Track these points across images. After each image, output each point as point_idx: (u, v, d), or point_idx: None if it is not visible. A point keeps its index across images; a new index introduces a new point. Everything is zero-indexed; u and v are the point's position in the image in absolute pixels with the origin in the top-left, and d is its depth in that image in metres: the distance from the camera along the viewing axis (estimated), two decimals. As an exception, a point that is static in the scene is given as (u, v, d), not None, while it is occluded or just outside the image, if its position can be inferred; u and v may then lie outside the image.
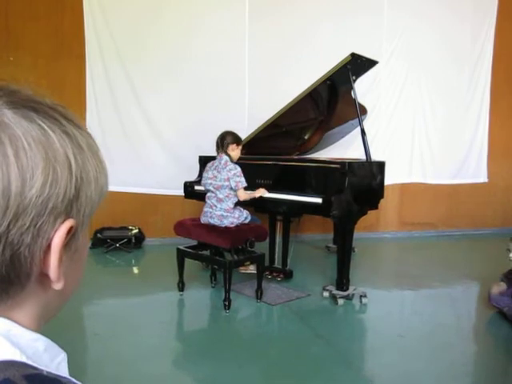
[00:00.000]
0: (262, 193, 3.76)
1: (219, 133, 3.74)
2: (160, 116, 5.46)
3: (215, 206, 3.62)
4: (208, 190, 3.69)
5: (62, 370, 0.50)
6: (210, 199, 3.66)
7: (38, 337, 0.49)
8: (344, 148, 5.19)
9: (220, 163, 3.61)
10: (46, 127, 0.46)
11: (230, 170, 3.53)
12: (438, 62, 6.21)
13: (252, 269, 4.12)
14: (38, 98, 0.48)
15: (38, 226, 0.45)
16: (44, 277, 0.48)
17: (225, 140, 3.65)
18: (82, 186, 0.48)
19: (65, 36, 5.15)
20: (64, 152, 0.47)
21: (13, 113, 0.45)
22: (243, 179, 3.54)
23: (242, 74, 5.59)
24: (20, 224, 0.44)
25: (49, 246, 0.46)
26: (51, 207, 0.45)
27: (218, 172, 3.58)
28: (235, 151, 3.69)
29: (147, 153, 5.49)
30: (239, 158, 3.77)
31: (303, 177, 3.77)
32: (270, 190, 3.80)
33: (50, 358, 0.49)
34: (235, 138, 3.69)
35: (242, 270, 4.30)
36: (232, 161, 3.64)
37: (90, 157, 0.49)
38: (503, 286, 3.44)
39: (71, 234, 0.48)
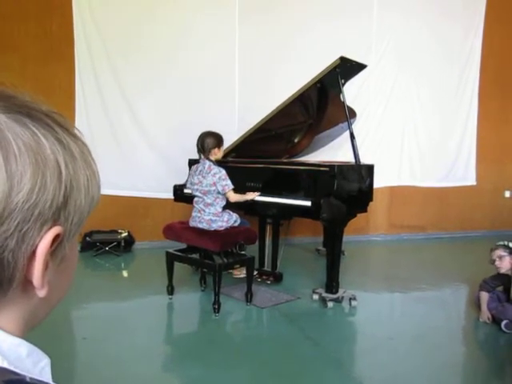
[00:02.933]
0: (254, 195, 3.76)
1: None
2: (150, 118, 5.45)
3: (203, 211, 3.61)
4: (195, 195, 3.68)
5: (46, 376, 0.50)
6: (198, 204, 3.65)
7: (21, 342, 0.48)
8: (334, 151, 5.21)
9: (204, 168, 3.58)
10: (38, 133, 0.46)
11: (215, 174, 3.51)
12: (428, 62, 6.24)
13: (243, 273, 4.12)
14: (34, 105, 0.48)
15: (23, 231, 0.45)
16: (28, 283, 0.47)
17: (205, 144, 3.57)
18: (71, 194, 0.48)
19: (54, 38, 5.13)
20: (55, 159, 0.46)
21: (6, 117, 0.45)
22: (229, 182, 3.52)
23: (232, 77, 5.60)
24: (5, 228, 0.44)
25: (34, 253, 0.46)
26: (38, 213, 0.45)
27: (203, 177, 3.56)
28: (218, 154, 3.64)
29: (137, 156, 5.48)
30: (228, 161, 3.77)
31: (293, 180, 3.79)
32: (260, 193, 3.80)
33: (33, 363, 0.49)
34: (216, 141, 3.61)
35: (236, 274, 4.30)
36: (215, 163, 3.61)
37: (83, 166, 0.49)
38: (485, 294, 3.48)
39: (58, 241, 0.48)
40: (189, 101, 5.47)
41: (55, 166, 0.46)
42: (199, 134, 3.67)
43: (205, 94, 5.50)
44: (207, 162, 3.58)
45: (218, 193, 3.55)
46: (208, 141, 3.59)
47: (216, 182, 3.51)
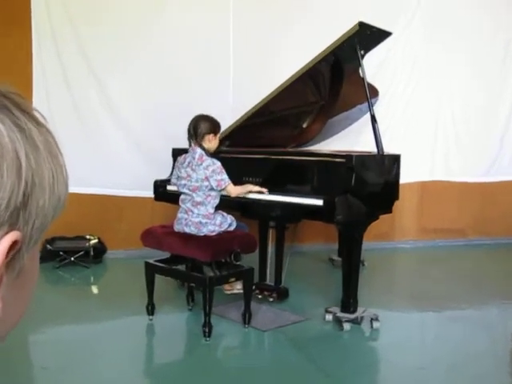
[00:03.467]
0: (261, 190, 3.75)
1: (197, 120, 3.74)
2: (124, 99, 5.46)
3: (191, 212, 3.61)
4: (182, 192, 3.69)
5: None
6: (185, 203, 3.66)
7: None
8: (350, 139, 5.21)
9: (194, 158, 3.58)
10: None
11: (208, 166, 3.52)
12: (468, 30, 6.19)
13: (239, 288, 4.13)
14: None
15: None
16: None
17: (198, 128, 3.61)
18: (32, 193, 0.47)
19: (7, 2, 5.12)
20: (13, 149, 0.46)
21: None
22: (226, 176, 3.54)
23: (225, 50, 5.59)
24: None
25: None
26: None
27: (193, 170, 3.57)
28: (212, 142, 3.67)
29: (108, 144, 5.49)
30: (221, 151, 3.77)
31: (301, 173, 3.80)
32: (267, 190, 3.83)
33: None
34: (212, 126, 3.66)
35: (227, 290, 4.30)
36: (208, 154, 3.62)
37: (47, 158, 0.49)
38: None
39: (15, 250, 0.47)
40: (173, 79, 5.46)
41: (14, 157, 0.46)
42: (192, 118, 3.70)
43: (191, 69, 5.50)
44: (198, 151, 3.59)
45: (211, 189, 3.56)
46: (202, 124, 3.62)
47: (209, 176, 3.52)
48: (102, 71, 5.39)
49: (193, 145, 3.65)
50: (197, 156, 3.58)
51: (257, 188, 3.75)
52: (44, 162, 0.49)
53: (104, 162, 5.47)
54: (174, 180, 3.81)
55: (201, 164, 3.54)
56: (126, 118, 5.49)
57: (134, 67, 5.43)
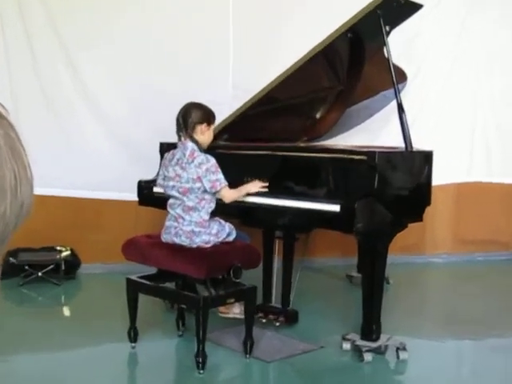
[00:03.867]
0: (261, 188, 3.75)
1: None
2: (103, 84, 5.46)
3: (182, 219, 3.60)
4: (170, 196, 3.68)
5: None
6: (174, 208, 3.65)
7: None
8: (373, 132, 5.20)
9: (184, 155, 3.57)
10: None
11: (201, 164, 3.51)
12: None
13: (237, 312, 4.12)
14: None
15: None
16: None
17: (189, 117, 3.61)
18: None
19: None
20: None
21: None
22: (221, 176, 3.53)
23: (224, 26, 5.58)
24: None
25: None
26: None
27: (183, 168, 3.55)
28: (206, 134, 3.66)
29: (83, 137, 5.49)
30: (218, 146, 3.76)
31: (313, 173, 3.79)
32: (264, 193, 3.80)
33: None
34: (205, 115, 3.65)
35: (223, 313, 4.28)
36: (201, 149, 3.62)
37: (8, 156, 0.49)
38: None
39: None
40: (160, 59, 5.46)
41: None
42: (182, 107, 3.69)
43: (184, 50, 5.50)
44: (189, 146, 3.58)
45: (205, 191, 3.55)
46: (193, 113, 3.62)
47: (202, 175, 3.50)
48: (77, 51, 5.38)
49: (182, 138, 3.64)
50: (187, 152, 3.56)
51: (255, 187, 3.74)
52: (5, 161, 0.48)
53: (78, 158, 5.46)
54: (160, 181, 3.80)
55: (192, 161, 3.53)
56: (105, 107, 5.49)
57: (115, 46, 5.43)
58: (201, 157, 3.54)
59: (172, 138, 4.03)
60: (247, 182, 3.89)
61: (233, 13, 5.59)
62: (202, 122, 3.63)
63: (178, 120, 3.66)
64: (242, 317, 3.80)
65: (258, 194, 3.77)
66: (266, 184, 3.75)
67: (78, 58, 5.39)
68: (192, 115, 3.62)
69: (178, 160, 3.61)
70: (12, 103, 5.09)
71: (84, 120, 5.48)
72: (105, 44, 5.41)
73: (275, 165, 3.99)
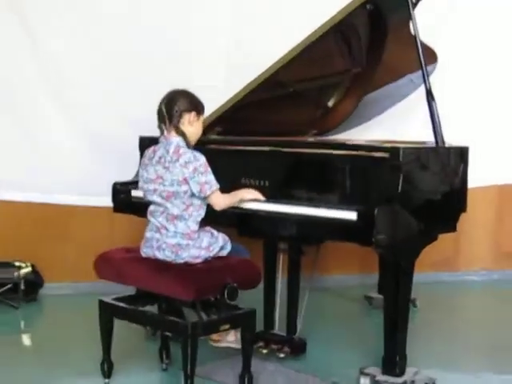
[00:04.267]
0: (256, 197, 3.75)
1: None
2: (70, 70, 5.48)
3: (166, 229, 3.59)
4: (151, 201, 3.67)
5: None
6: (156, 217, 3.63)
7: None
8: (396, 124, 5.21)
9: (167, 151, 3.54)
10: None
11: (187, 162, 3.48)
12: None
13: (231, 340, 4.13)
14: None
15: None
16: None
17: (174, 105, 3.59)
18: None
19: None
20: None
21: None
22: (212, 177, 3.51)
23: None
24: None
25: None
26: None
27: (166, 168, 3.52)
28: (194, 125, 3.66)
29: (46, 132, 5.52)
30: (209, 141, 3.74)
31: (325, 174, 3.77)
32: (266, 197, 3.80)
33: None
34: (193, 102, 3.65)
35: (214, 341, 4.28)
36: (189, 145, 3.60)
37: None
38: None
39: None
40: (137, 39, 5.47)
41: None
42: (164, 95, 3.67)
43: (166, 26, 5.51)
44: (174, 141, 3.56)
45: (193, 196, 3.54)
46: (179, 101, 3.61)
47: (189, 177, 3.48)
48: (40, 30, 5.40)
49: (165, 132, 3.63)
50: (171, 148, 3.54)
51: (251, 195, 3.74)
52: None
53: (41, 157, 5.49)
54: (141, 183, 3.77)
55: (177, 160, 3.50)
56: (72, 97, 5.51)
57: (83, 26, 5.46)
58: (187, 154, 3.51)
59: (151, 131, 4.02)
60: (245, 185, 3.88)
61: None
62: (190, 111, 3.61)
63: (160, 110, 3.64)
64: (238, 346, 3.80)
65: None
66: (263, 198, 3.76)
67: (41, 39, 5.42)
68: (178, 103, 3.60)
69: (159, 158, 3.58)
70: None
71: (47, 113, 5.51)
72: (73, 25, 5.45)
73: (278, 164, 3.96)
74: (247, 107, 4.34)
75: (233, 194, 3.69)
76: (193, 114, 3.62)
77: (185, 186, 3.49)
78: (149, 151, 3.71)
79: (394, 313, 3.71)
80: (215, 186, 3.51)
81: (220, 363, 4.06)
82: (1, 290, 5.25)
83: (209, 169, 3.52)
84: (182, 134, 3.58)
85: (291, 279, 4.36)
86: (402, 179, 3.43)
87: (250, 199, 3.74)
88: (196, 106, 3.66)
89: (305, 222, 3.66)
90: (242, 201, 3.72)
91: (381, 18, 4.15)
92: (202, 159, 3.51)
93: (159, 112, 3.64)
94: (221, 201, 3.59)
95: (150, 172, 3.62)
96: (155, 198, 3.60)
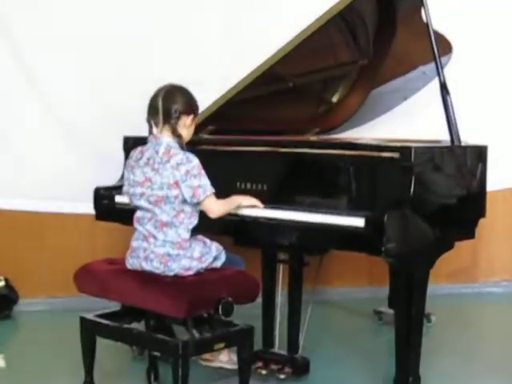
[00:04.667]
0: (254, 204, 3.77)
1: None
2: (47, 61, 5.48)
3: (154, 238, 3.59)
4: (138, 207, 3.68)
5: None
6: (144, 224, 3.63)
7: None
8: (406, 121, 5.22)
9: (157, 152, 3.54)
10: None
11: (179, 164, 3.46)
12: None
13: (224, 360, 4.13)
14: None
15: None
16: None
17: (173, 104, 3.57)
18: None
19: None
20: None
21: None
22: (207, 181, 3.51)
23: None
24: None
25: None
26: None
27: (155, 170, 3.52)
28: (190, 129, 3.67)
29: (21, 130, 5.52)
30: (200, 141, 3.74)
31: (328, 177, 3.79)
32: (263, 202, 3.80)
33: None
34: (192, 104, 3.66)
35: (206, 360, 4.27)
36: (182, 146, 3.59)
37: None
38: None
39: None
40: (122, 29, 5.51)
41: None
42: (159, 88, 3.66)
43: (152, 18, 5.55)
44: (164, 141, 3.56)
45: (184, 202, 3.54)
46: (178, 99, 3.60)
47: (180, 180, 3.47)
48: (16, 21, 5.43)
49: (155, 130, 3.63)
50: (161, 148, 3.53)
51: (248, 201, 3.75)
52: None
53: (13, 157, 5.51)
54: (126, 188, 3.77)
55: (168, 161, 3.49)
56: (50, 92, 5.53)
57: (69, 23, 5.49)
58: (179, 155, 3.50)
59: (137, 131, 4.03)
60: (242, 189, 3.90)
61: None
62: (188, 113, 3.62)
63: (155, 104, 3.60)
64: (232, 366, 3.80)
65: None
66: (261, 206, 3.78)
67: (15, 28, 5.45)
68: (177, 101, 3.58)
69: (148, 159, 3.58)
70: None
71: (21, 108, 5.51)
72: (52, 13, 5.47)
73: (277, 165, 3.98)
74: (243, 104, 4.35)
75: (229, 199, 3.69)
76: (191, 117, 3.62)
77: (175, 190, 3.48)
78: (136, 152, 3.69)
79: (407, 329, 3.71)
80: (210, 190, 3.50)
81: (213, 384, 4.09)
82: (-29, 307, 5.27)
83: (203, 172, 3.50)
84: (178, 136, 3.57)
85: (292, 292, 4.35)
86: (414, 181, 3.44)
87: (248, 206, 3.75)
88: (195, 108, 3.67)
89: (307, 230, 3.67)
90: (238, 207, 3.74)
91: (389, 4, 4.17)
92: (196, 161, 3.50)
93: (153, 106, 3.60)
94: (215, 207, 3.56)
95: (136, 174, 3.61)
96: (142, 202, 3.59)
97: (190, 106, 3.63)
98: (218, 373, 4.20)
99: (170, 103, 3.57)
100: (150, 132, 3.65)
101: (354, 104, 4.67)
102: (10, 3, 5.39)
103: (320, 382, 4.22)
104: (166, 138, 3.56)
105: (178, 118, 3.58)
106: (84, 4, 5.48)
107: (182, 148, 3.56)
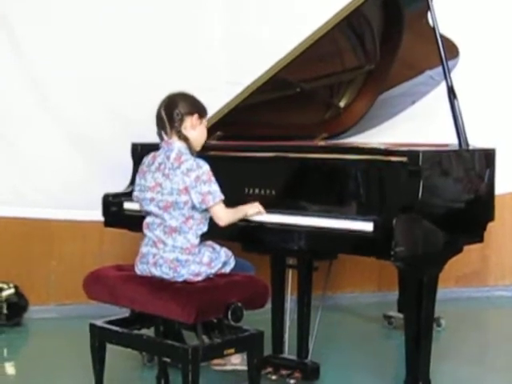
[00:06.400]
0: (258, 210, 3.77)
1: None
2: (50, 64, 5.49)
3: (163, 244, 3.59)
4: (148, 212, 3.68)
5: None
6: (153, 230, 3.64)
7: None
8: (414, 125, 5.21)
9: (168, 158, 3.55)
10: None
11: (189, 170, 3.47)
12: None
13: (237, 362, 4.13)
14: None
15: None
16: None
17: (175, 109, 3.58)
18: None
19: None
20: None
21: None
22: (216, 187, 3.50)
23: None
24: None
25: None
26: None
27: (166, 176, 3.53)
28: (197, 129, 3.66)
29: (30, 139, 5.52)
30: (208, 147, 3.73)
31: (337, 181, 3.80)
32: (272, 208, 3.82)
33: None
34: (194, 104, 3.66)
35: (217, 365, 4.28)
36: (193, 151, 3.60)
37: None
38: None
39: None
40: (129, 33, 5.50)
41: None
42: (162, 99, 3.67)
43: (160, 21, 5.55)
44: (176, 147, 3.57)
45: (193, 208, 3.55)
46: (179, 103, 3.61)
47: (190, 186, 3.48)
48: (20, 24, 5.43)
49: (166, 137, 3.64)
50: (173, 154, 3.54)
51: (254, 208, 3.76)
52: None
53: (22, 166, 5.50)
54: (136, 193, 3.76)
55: (178, 167, 3.49)
56: (56, 98, 5.53)
57: (73, 26, 5.48)
58: (190, 161, 3.51)
59: (145, 137, 4.03)
60: (249, 195, 3.90)
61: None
62: (191, 113, 3.61)
63: (159, 115, 3.63)
64: (245, 368, 3.78)
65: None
66: (263, 212, 3.78)
67: (23, 35, 5.44)
68: (178, 105, 3.59)
69: (159, 165, 3.58)
70: None
71: (30, 116, 5.51)
72: (58, 19, 5.48)
73: (285, 171, 3.99)
74: (250, 109, 4.36)
75: (236, 209, 3.68)
76: (195, 116, 3.61)
77: (185, 195, 3.48)
78: (148, 158, 3.70)
79: (416, 333, 3.71)
80: (219, 197, 3.49)
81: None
82: (-21, 315, 5.27)
83: (213, 178, 3.50)
84: (185, 139, 3.57)
85: (302, 297, 4.33)
86: (422, 186, 3.44)
87: (253, 214, 3.75)
88: (198, 107, 3.66)
89: (316, 235, 3.66)
90: (245, 216, 3.73)
91: (396, 9, 4.16)
92: (206, 167, 3.50)
93: (158, 118, 3.63)
94: (225, 215, 3.56)
95: (147, 179, 3.62)
96: (152, 207, 3.60)
97: (192, 106, 3.64)
98: (229, 379, 4.21)
99: (171, 109, 3.60)
100: (161, 140, 3.66)
101: (361, 109, 4.67)
102: (17, 14, 5.41)
103: (330, 387, 4.22)
104: (177, 143, 3.57)
105: (182, 120, 3.58)
106: (101, 20, 5.50)
107: (192, 154, 3.56)
